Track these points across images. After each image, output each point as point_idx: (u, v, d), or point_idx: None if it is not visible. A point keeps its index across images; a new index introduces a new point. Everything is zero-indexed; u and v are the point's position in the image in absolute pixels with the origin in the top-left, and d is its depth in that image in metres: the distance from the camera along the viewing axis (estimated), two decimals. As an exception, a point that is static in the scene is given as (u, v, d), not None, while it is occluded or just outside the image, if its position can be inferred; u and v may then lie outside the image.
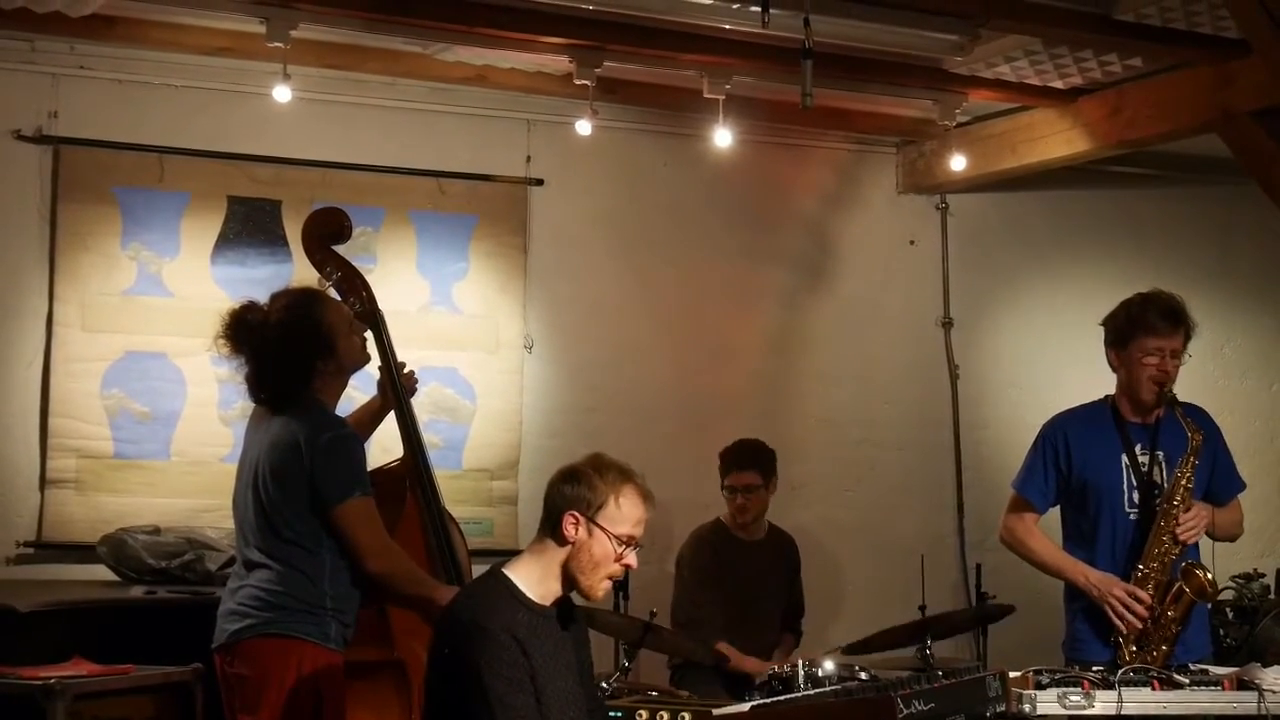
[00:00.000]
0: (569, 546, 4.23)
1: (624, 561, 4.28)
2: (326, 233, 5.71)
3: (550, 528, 4.26)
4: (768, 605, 7.14)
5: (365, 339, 5.40)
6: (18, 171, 7.00)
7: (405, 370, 5.66)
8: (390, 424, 5.65)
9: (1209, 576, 5.50)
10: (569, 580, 4.27)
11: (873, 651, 6.62)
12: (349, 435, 5.15)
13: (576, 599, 4.42)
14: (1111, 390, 5.78)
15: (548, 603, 4.27)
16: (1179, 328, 5.61)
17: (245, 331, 5.19)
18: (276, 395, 5.17)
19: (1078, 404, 5.88)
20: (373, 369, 5.55)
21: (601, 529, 4.22)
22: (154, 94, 7.20)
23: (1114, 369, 5.72)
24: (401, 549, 5.21)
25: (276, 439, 5.08)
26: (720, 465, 7.13)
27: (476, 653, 4.05)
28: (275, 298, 5.28)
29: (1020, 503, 5.81)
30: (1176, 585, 5.48)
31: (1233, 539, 5.86)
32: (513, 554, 4.58)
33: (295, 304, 5.22)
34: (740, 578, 7.03)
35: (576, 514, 4.22)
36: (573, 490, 4.24)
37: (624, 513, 4.25)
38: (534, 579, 4.25)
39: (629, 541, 4.27)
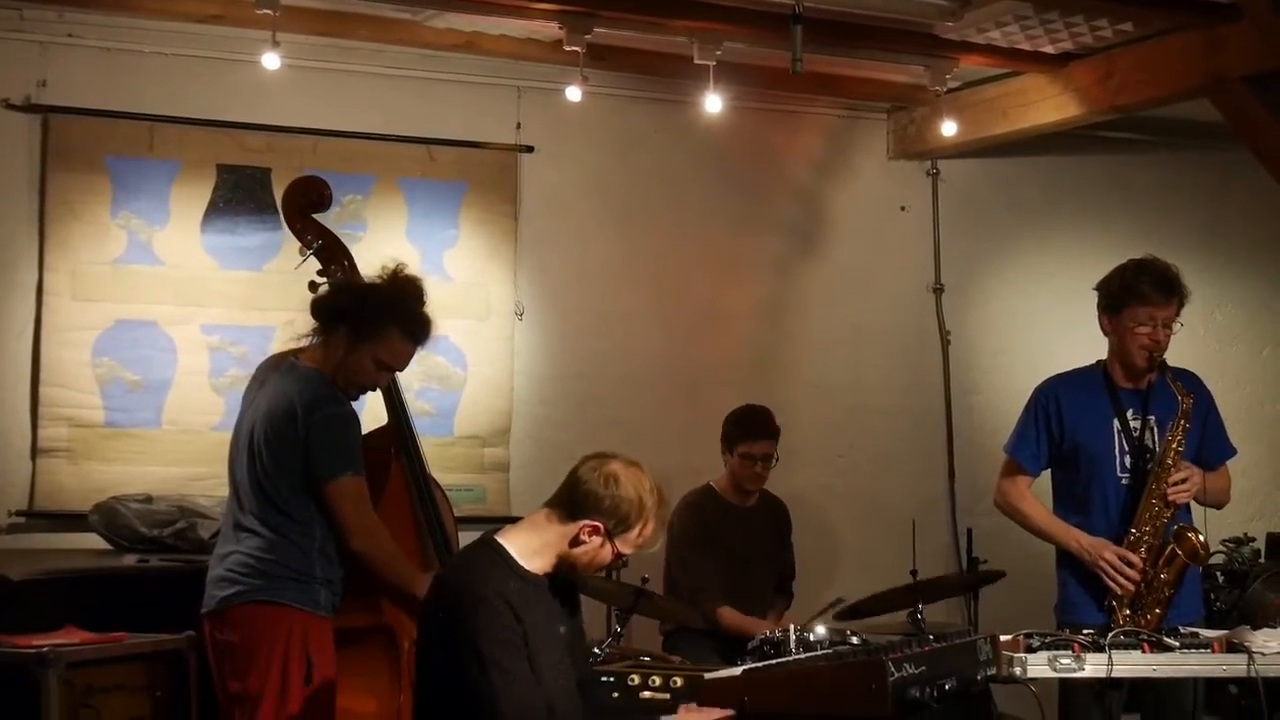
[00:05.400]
0: (576, 544, 4.24)
1: (609, 568, 4.38)
2: (306, 202, 5.70)
3: (566, 514, 4.25)
4: (762, 569, 7.13)
5: (376, 388, 5.38)
6: (6, 141, 6.97)
7: None
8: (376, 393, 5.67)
9: (1201, 539, 5.52)
10: (561, 564, 4.28)
11: (864, 616, 6.65)
12: (347, 413, 5.16)
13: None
14: (1103, 355, 5.80)
15: (540, 574, 4.28)
16: (1172, 297, 5.63)
17: (391, 287, 5.25)
18: (317, 312, 5.23)
19: (1069, 368, 5.90)
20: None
21: (614, 546, 4.25)
22: (143, 62, 7.17)
23: (1106, 334, 5.73)
24: (389, 533, 5.22)
25: (273, 405, 5.09)
26: (730, 432, 7.03)
27: (471, 618, 4.06)
28: (415, 287, 5.32)
29: (1013, 466, 5.84)
30: (1169, 548, 5.51)
31: (1220, 505, 5.86)
32: (504, 520, 4.58)
33: (390, 304, 5.22)
34: (734, 543, 7.02)
35: (600, 525, 4.22)
36: (610, 502, 4.21)
37: (640, 539, 4.29)
38: (529, 550, 4.25)
39: (627, 559, 4.35)
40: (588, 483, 4.24)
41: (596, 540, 4.23)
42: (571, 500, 4.25)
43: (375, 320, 5.14)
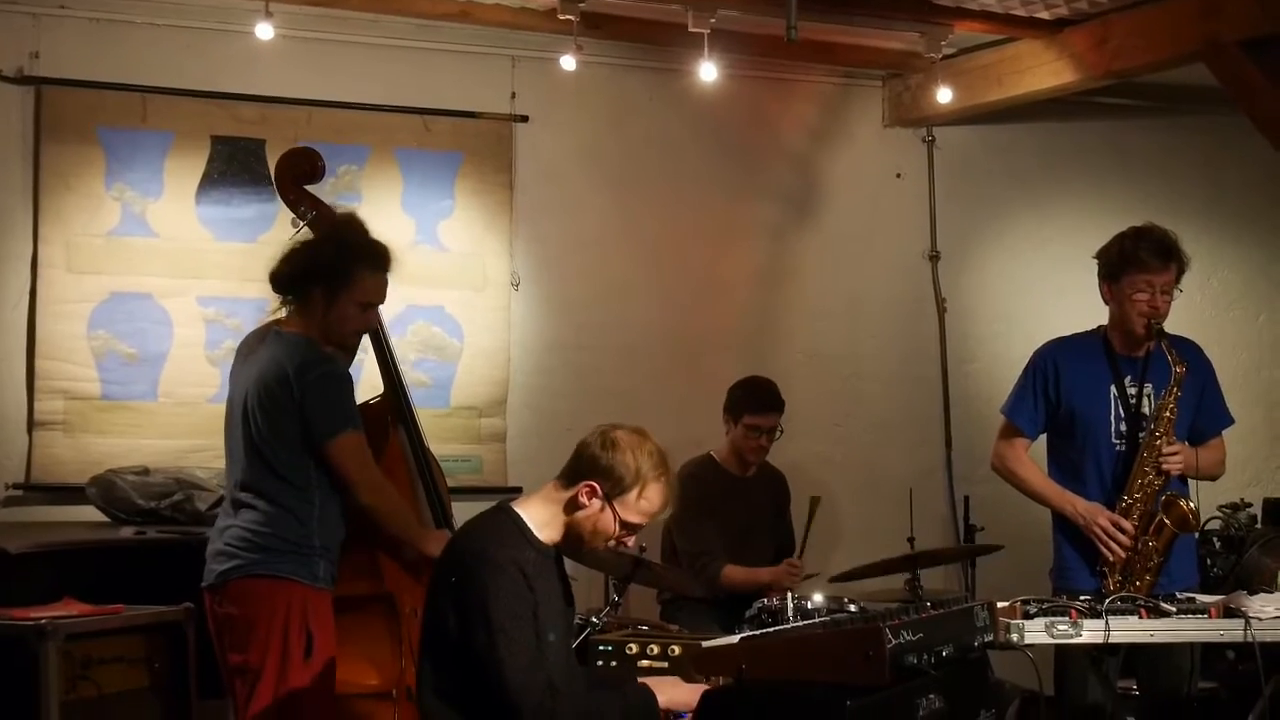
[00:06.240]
0: (577, 507, 4.26)
1: (621, 540, 4.34)
2: (299, 173, 5.70)
3: (569, 482, 4.28)
4: (760, 541, 7.13)
5: (367, 330, 5.38)
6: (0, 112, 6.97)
7: None
8: (371, 362, 5.66)
9: (1191, 507, 5.53)
10: (569, 533, 4.30)
11: (860, 579, 6.67)
12: (339, 371, 5.17)
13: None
14: (1100, 322, 5.80)
15: (549, 545, 4.31)
16: (1170, 263, 5.63)
17: (329, 227, 5.26)
18: (279, 284, 5.22)
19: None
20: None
21: (614, 510, 4.25)
22: (136, 33, 7.15)
23: (1106, 302, 5.73)
24: (393, 487, 5.25)
25: (264, 372, 5.09)
26: (736, 402, 7.00)
27: (484, 583, 4.08)
28: (363, 236, 5.31)
29: (1010, 428, 5.85)
30: (1158, 517, 5.52)
31: (1214, 479, 5.87)
32: (502, 491, 4.60)
33: (351, 243, 5.23)
34: (733, 514, 7.02)
35: (596, 486, 4.23)
36: (605, 463, 4.24)
37: (641, 505, 4.28)
38: (541, 520, 4.28)
39: (635, 528, 4.32)
40: (588, 446, 4.28)
41: (596, 504, 4.24)
42: (574, 465, 4.30)
43: (344, 268, 5.15)
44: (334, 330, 5.20)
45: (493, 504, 4.38)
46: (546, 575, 4.24)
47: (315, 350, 5.14)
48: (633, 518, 4.29)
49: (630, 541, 4.40)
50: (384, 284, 5.30)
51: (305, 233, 5.35)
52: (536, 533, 4.25)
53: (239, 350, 5.36)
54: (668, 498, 4.33)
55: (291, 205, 5.65)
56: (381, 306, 5.52)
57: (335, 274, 5.14)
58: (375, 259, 5.25)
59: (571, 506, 4.26)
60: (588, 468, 4.25)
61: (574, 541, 4.32)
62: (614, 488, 4.24)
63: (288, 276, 5.21)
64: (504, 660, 4.03)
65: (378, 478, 5.19)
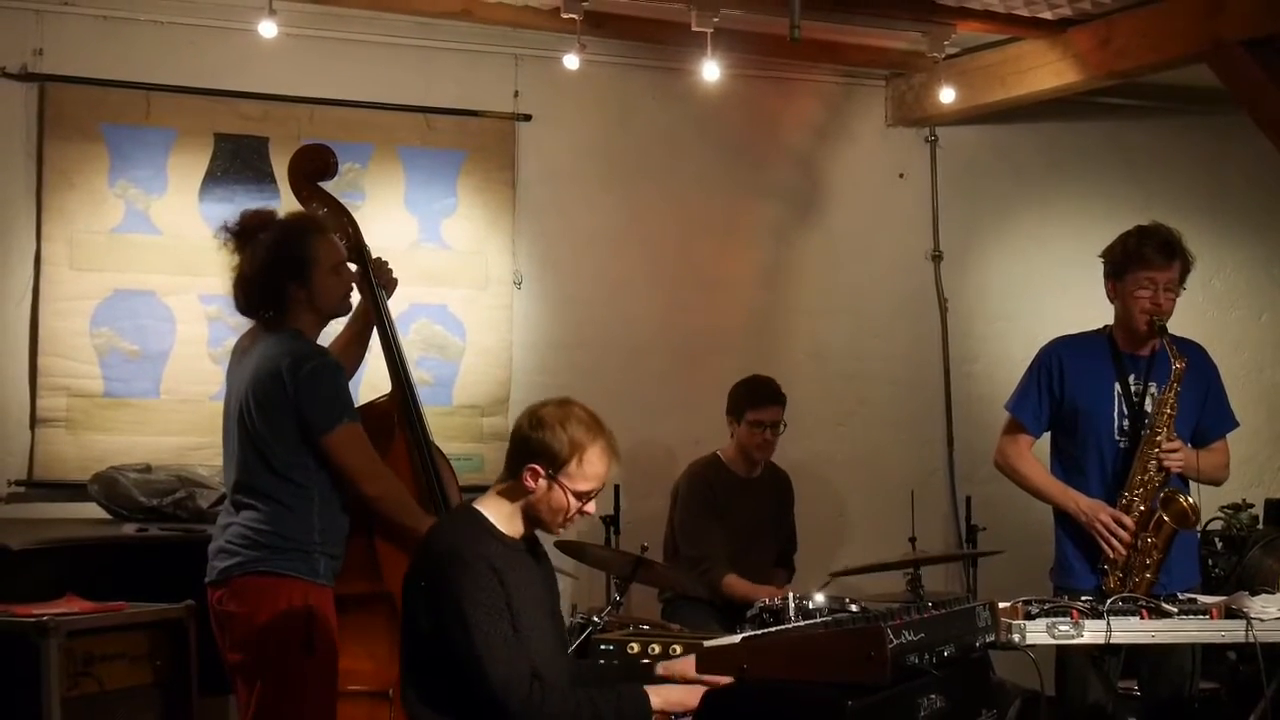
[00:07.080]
0: (527, 493, 4.26)
1: (583, 511, 4.33)
2: (312, 170, 5.70)
3: (513, 471, 4.28)
4: (765, 541, 7.14)
5: (350, 287, 5.36)
6: (3, 109, 6.97)
7: (387, 267, 5.67)
8: (379, 362, 5.66)
9: (1190, 502, 5.53)
10: (531, 521, 4.31)
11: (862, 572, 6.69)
12: (331, 364, 5.16)
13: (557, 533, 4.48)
14: (1103, 322, 5.81)
15: (517, 537, 4.31)
16: (1173, 261, 5.64)
17: (248, 236, 5.18)
18: (249, 307, 5.18)
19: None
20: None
21: (560, 485, 4.24)
22: (140, 30, 7.16)
23: (1111, 300, 5.75)
24: (395, 475, 5.25)
25: (258, 371, 5.08)
26: (738, 400, 7.03)
27: (454, 582, 4.07)
28: (283, 217, 5.31)
29: (1014, 425, 5.85)
30: (1157, 513, 5.52)
31: (1217, 483, 5.85)
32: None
33: (287, 227, 5.21)
34: (738, 514, 7.02)
35: (537, 467, 4.23)
36: (538, 442, 4.23)
37: (585, 471, 4.25)
38: (503, 514, 4.29)
39: (589, 495, 4.31)
40: (519, 430, 4.29)
41: (543, 484, 4.24)
42: (512, 453, 4.31)
43: (300, 252, 5.12)
44: (327, 308, 5.22)
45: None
46: (518, 567, 4.23)
47: (304, 343, 5.13)
48: (582, 486, 4.26)
49: (592, 508, 4.37)
50: (335, 240, 5.32)
51: (232, 258, 5.25)
52: (500, 526, 4.26)
53: (234, 350, 5.35)
54: (610, 457, 4.30)
55: (303, 202, 5.65)
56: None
57: (298, 263, 5.11)
58: (317, 226, 5.26)
59: (522, 493, 4.26)
60: (524, 452, 4.25)
61: (541, 526, 4.33)
62: (552, 464, 4.22)
63: (257, 296, 5.16)
64: (483, 657, 4.03)
65: (380, 467, 5.18)
